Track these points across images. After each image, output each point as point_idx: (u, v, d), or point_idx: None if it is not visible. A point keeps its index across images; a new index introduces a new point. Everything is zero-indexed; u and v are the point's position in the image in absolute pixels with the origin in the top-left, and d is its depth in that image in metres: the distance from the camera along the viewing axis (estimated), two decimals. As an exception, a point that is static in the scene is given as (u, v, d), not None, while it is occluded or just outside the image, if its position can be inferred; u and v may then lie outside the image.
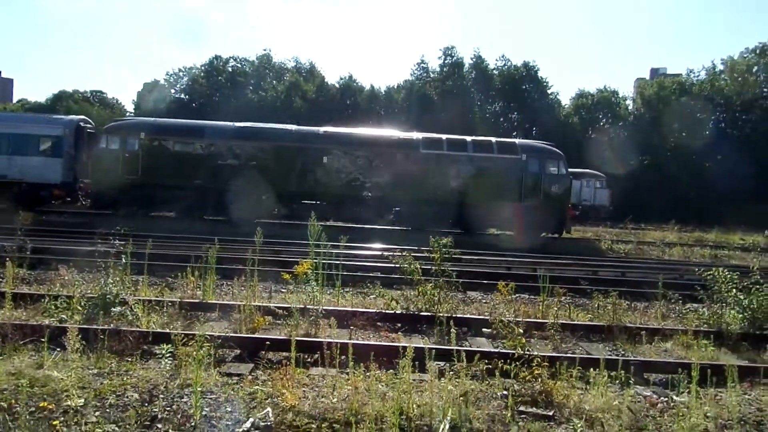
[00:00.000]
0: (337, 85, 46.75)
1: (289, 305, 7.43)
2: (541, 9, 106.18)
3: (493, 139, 22.74)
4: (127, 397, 4.65)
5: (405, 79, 46.95)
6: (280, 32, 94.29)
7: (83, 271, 9.14)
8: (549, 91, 44.97)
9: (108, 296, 6.92)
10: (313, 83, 44.93)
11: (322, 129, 22.73)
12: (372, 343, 6.59)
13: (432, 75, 46.17)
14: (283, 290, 9.23)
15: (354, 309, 8.01)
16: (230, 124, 22.91)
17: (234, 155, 21.31)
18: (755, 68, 42.06)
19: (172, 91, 50.07)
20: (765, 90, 41.01)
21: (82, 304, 6.82)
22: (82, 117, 24.56)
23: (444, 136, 22.35)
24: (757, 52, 42.30)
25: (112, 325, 6.26)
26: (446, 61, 45.54)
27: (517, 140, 23.29)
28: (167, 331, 6.09)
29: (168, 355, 5.24)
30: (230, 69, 49.11)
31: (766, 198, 32.65)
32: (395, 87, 46.72)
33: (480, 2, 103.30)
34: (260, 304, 7.59)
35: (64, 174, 22.22)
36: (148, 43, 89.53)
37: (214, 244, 8.99)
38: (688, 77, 45.40)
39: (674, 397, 5.39)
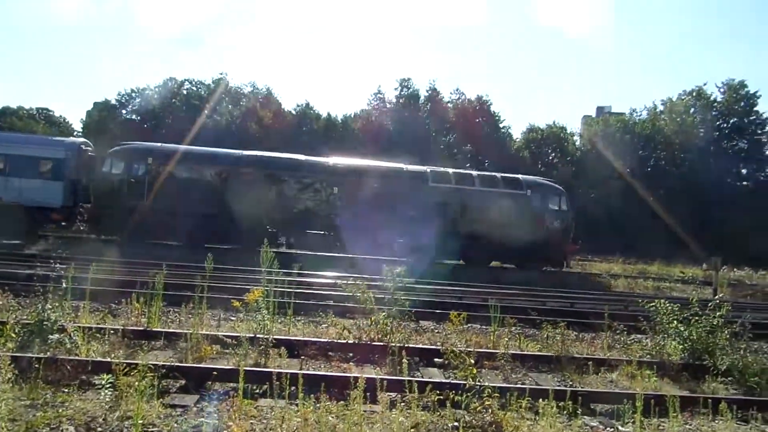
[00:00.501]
0: (293, 112, 46.83)
1: (238, 334, 7.24)
2: (494, 46, 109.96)
3: (498, 175, 23.20)
4: (63, 430, 4.40)
5: (362, 108, 47.62)
6: (237, 57, 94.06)
7: (20, 295, 8.69)
8: (501, 125, 46.37)
9: (45, 322, 6.56)
10: (269, 109, 44.85)
11: (331, 160, 22.80)
12: (323, 373, 6.49)
13: (388, 105, 46.91)
14: (232, 318, 9.01)
15: (305, 338, 7.88)
16: (240, 152, 22.70)
17: (244, 183, 20.87)
18: (692, 110, 44.63)
19: (124, 111, 48.98)
20: (701, 130, 43.47)
21: (17, 330, 6.45)
22: (83, 140, 23.30)
23: (451, 170, 22.82)
24: (694, 94, 44.94)
25: (48, 353, 5.94)
26: (402, 92, 46.44)
27: (520, 176, 23.65)
28: (108, 360, 5.82)
29: (108, 385, 5.00)
30: (185, 92, 48.52)
31: (703, 233, 34.28)
32: (352, 116, 47.19)
33: (436, 37, 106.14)
34: (208, 332, 7.39)
35: (65, 197, 21.20)
36: (99, 62, 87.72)
37: (162, 270, 8.72)
38: (631, 116, 47.74)
39: (619, 428, 5.51)
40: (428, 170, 22.41)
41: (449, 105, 46.58)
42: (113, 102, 49.31)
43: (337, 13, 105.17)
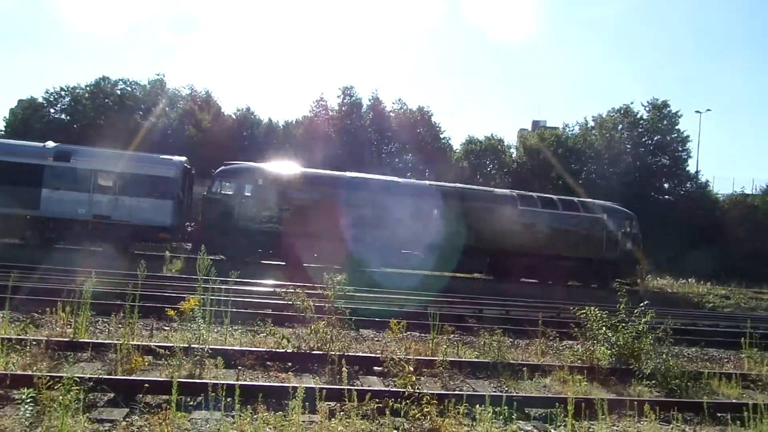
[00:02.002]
0: (234, 116, 45.92)
1: (172, 344, 7.00)
2: (435, 58, 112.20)
3: (576, 199, 25.07)
4: (-24, 450, 4.10)
5: (304, 114, 47.24)
6: (175, 59, 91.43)
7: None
8: (442, 136, 47.20)
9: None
10: (208, 112, 43.79)
11: (428, 182, 24.26)
12: (261, 383, 6.36)
13: (331, 112, 46.80)
14: (166, 328, 8.69)
15: (243, 348, 7.71)
16: (348, 174, 23.26)
17: (350, 205, 21.17)
18: (620, 126, 47.00)
19: (52, 110, 46.46)
20: (628, 146, 45.82)
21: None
22: (185, 158, 22.61)
23: (535, 195, 24.49)
24: (621, 112, 47.37)
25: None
26: (345, 100, 46.44)
27: (596, 201, 25.52)
28: (29, 373, 5.49)
29: (29, 400, 4.70)
30: (119, 92, 46.62)
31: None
32: (294, 122, 46.78)
33: (379, 47, 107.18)
34: (140, 342, 7.09)
35: (174, 217, 20.78)
36: (26, 57, 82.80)
37: (91, 277, 8.32)
38: (564, 131, 49.76)
39: (552, 431, 5.68)
40: (515, 194, 24.06)
41: (392, 114, 46.98)
42: (40, 100, 46.72)
43: (278, 18, 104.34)
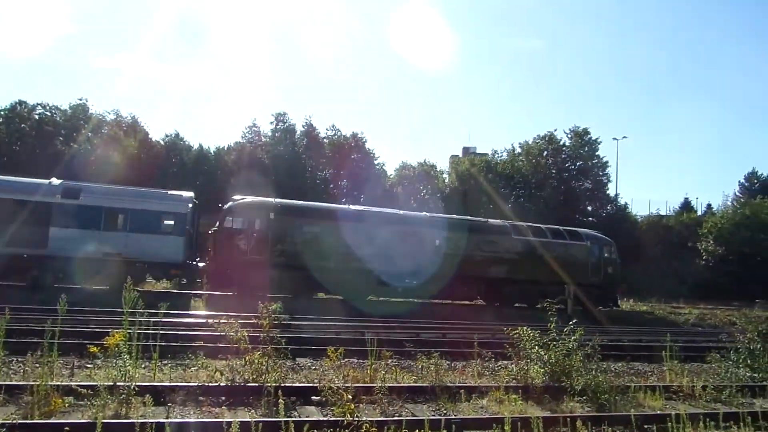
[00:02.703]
0: (162, 143, 44.55)
1: (95, 383, 6.58)
2: (368, 86, 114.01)
3: (562, 228, 26.50)
4: None
5: (236, 141, 46.49)
6: (98, 83, 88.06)
7: None
8: (376, 162, 47.70)
9: None
10: (135, 138, 42.28)
11: (428, 214, 25.47)
12: (192, 420, 6.09)
13: (264, 139, 46.32)
14: (89, 366, 8.18)
15: (173, 383, 7.36)
16: (356, 207, 24.52)
17: (360, 235, 21.69)
18: (545, 152, 49.22)
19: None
20: (553, 171, 47.98)
21: None
22: (192, 193, 22.38)
23: (526, 224, 25.79)
24: (546, 138, 49.67)
25: None
26: (278, 126, 46.14)
27: (580, 230, 27.52)
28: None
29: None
30: (37, 117, 44.24)
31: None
32: (225, 148, 45.91)
33: (312, 74, 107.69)
34: (59, 383, 6.63)
35: (185, 253, 20.42)
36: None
37: (3, 314, 7.74)
38: (493, 157, 51.54)
39: (490, 452, 5.74)
40: (508, 224, 25.55)
41: (326, 141, 47.07)
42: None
43: (209, 42, 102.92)
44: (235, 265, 19.95)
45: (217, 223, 20.98)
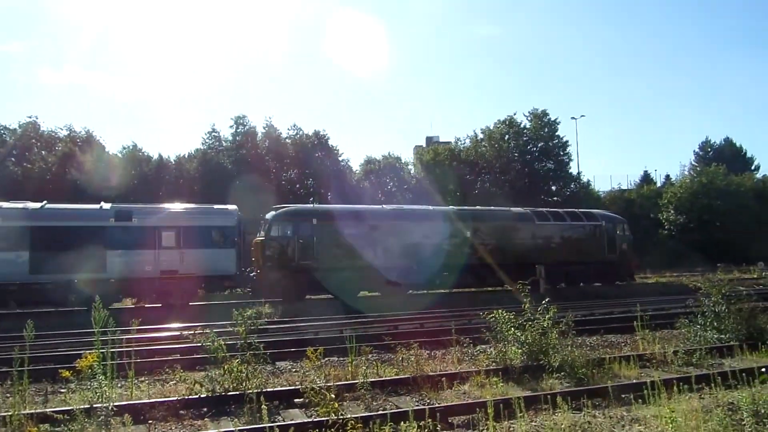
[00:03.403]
0: (119, 155, 43.42)
1: (71, 407, 6.41)
2: (327, 81, 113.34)
3: (578, 211, 28.31)
4: None
5: (197, 147, 45.57)
6: (47, 99, 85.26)
7: None
8: (340, 158, 47.41)
9: None
10: (91, 153, 41.09)
11: (455, 208, 26.93)
12: (175, 435, 5.99)
13: (225, 143, 45.55)
14: (62, 390, 7.97)
15: (152, 400, 7.23)
16: (390, 206, 25.66)
17: (393, 234, 23.01)
18: (507, 136, 49.75)
19: None
20: (516, 154, 48.56)
21: None
22: (236, 206, 22.75)
23: (546, 210, 27.93)
24: (507, 122, 50.18)
25: None
26: (238, 130, 45.40)
27: (594, 211, 29.27)
28: None
29: None
30: (-16, 138, 42.61)
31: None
32: (186, 156, 44.99)
33: (272, 72, 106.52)
34: (33, 411, 6.44)
35: (237, 264, 21.08)
36: None
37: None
38: (456, 144, 51.85)
39: (476, 436, 5.82)
40: (529, 211, 26.94)
41: (288, 141, 46.56)
42: None
43: (161, 49, 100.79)
44: (284, 272, 20.91)
45: (263, 233, 21.78)
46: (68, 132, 44.52)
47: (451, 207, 27.74)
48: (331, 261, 21.49)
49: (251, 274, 21.84)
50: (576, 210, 28.62)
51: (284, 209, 22.73)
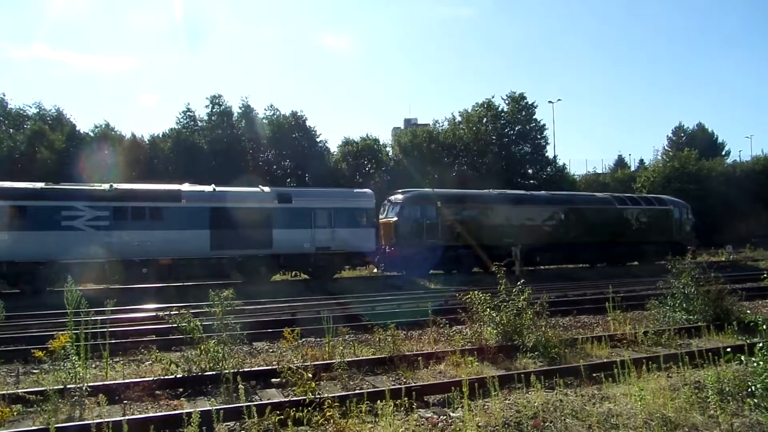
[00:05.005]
0: (92, 134, 42.42)
1: (44, 388, 6.34)
2: (306, 61, 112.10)
3: (652, 196, 31.69)
4: None
5: (171, 127, 44.72)
6: (15, 76, 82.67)
7: None
8: (318, 140, 47.02)
9: None
10: (61, 132, 40.06)
11: (551, 193, 30.39)
12: (151, 415, 5.97)
13: (200, 123, 44.82)
14: (35, 371, 7.87)
15: (127, 380, 7.18)
16: (497, 191, 28.40)
17: (508, 216, 26.18)
18: (485, 119, 49.90)
19: None
20: (493, 137, 48.78)
21: None
22: (370, 190, 25.59)
23: (625, 195, 30.94)
24: (485, 105, 50.31)
25: None
26: (214, 110, 44.69)
27: (663, 196, 32.39)
28: None
29: None
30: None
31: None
32: (160, 135, 44.18)
33: (248, 52, 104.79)
34: (5, 391, 6.35)
35: (376, 242, 23.64)
36: None
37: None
38: (434, 127, 51.81)
39: (451, 414, 5.92)
40: (610, 196, 30.21)
41: (265, 121, 45.99)
42: None
43: (136, 26, 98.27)
44: (415, 250, 23.47)
45: (392, 215, 24.57)
46: (38, 110, 43.39)
47: (548, 192, 31.04)
48: (452, 240, 24.42)
49: (386, 252, 24.17)
50: (648, 195, 32.11)
51: (412, 193, 25.42)
